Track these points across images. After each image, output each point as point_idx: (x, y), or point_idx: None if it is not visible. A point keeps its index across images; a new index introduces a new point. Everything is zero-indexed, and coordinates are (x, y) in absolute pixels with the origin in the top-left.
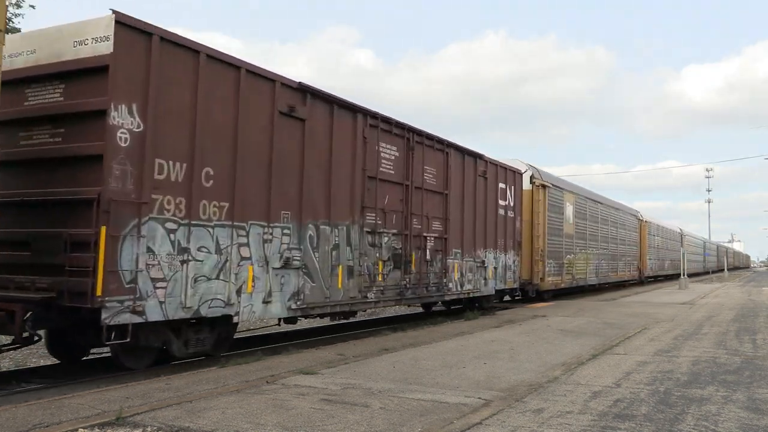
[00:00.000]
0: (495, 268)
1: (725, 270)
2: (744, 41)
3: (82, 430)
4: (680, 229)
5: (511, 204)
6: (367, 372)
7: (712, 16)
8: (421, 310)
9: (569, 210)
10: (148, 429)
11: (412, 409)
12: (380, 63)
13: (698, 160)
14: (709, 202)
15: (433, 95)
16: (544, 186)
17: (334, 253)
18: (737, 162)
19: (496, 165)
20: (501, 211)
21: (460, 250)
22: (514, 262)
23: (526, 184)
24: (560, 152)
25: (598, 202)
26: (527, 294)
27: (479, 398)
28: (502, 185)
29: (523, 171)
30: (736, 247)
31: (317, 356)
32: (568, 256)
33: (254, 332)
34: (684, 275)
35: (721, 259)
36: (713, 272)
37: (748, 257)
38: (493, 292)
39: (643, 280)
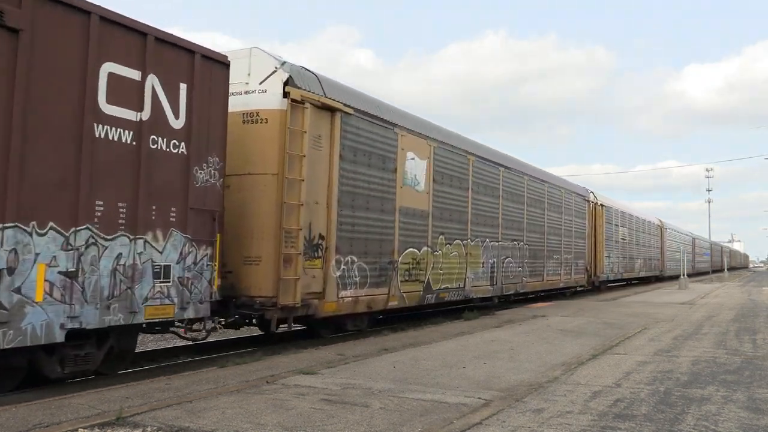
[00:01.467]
0: (71, 277)
1: (725, 270)
2: (744, 41)
3: (82, 430)
4: (660, 221)
5: (175, 124)
6: (367, 372)
7: (712, 15)
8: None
9: (417, 167)
10: (148, 429)
11: (412, 409)
12: (380, 63)
13: (698, 160)
14: (709, 202)
15: (433, 95)
16: (330, 109)
17: None
18: (737, 162)
19: (90, 15)
20: (116, 134)
21: None
22: (190, 259)
23: (272, 100)
24: (560, 152)
25: (498, 164)
26: (267, 327)
27: (479, 398)
28: (130, 74)
29: (233, 61)
30: (736, 247)
31: (317, 356)
32: (413, 249)
33: (254, 332)
34: (684, 275)
35: (716, 258)
36: (714, 272)
37: (746, 257)
38: (41, 339)
39: (599, 286)
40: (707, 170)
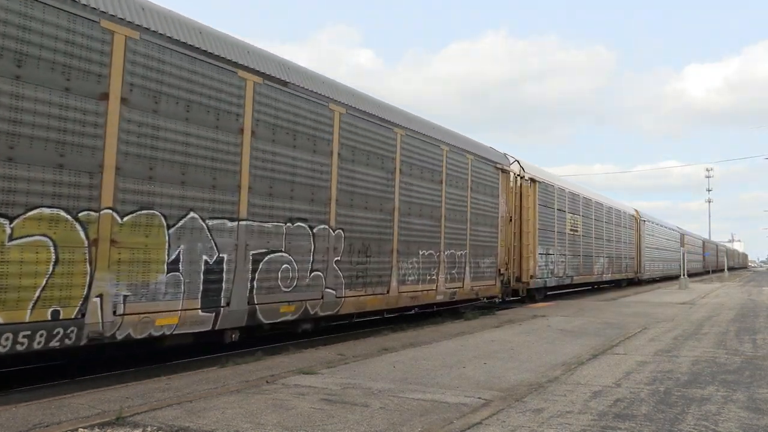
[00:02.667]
0: None
1: (725, 270)
2: (744, 41)
3: (82, 430)
4: (636, 212)
5: None
6: (367, 372)
7: (712, 15)
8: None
9: None
10: (148, 429)
11: (412, 409)
12: (380, 63)
13: (698, 159)
14: (709, 202)
15: (433, 95)
16: None
17: None
18: (737, 162)
19: None
20: None
21: None
22: None
23: None
24: (561, 152)
25: (242, 69)
26: None
27: (479, 398)
28: None
29: None
30: (736, 246)
31: (317, 356)
32: None
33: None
34: (684, 275)
35: (710, 258)
36: (706, 273)
37: (745, 256)
38: None
39: (533, 296)
40: (707, 170)
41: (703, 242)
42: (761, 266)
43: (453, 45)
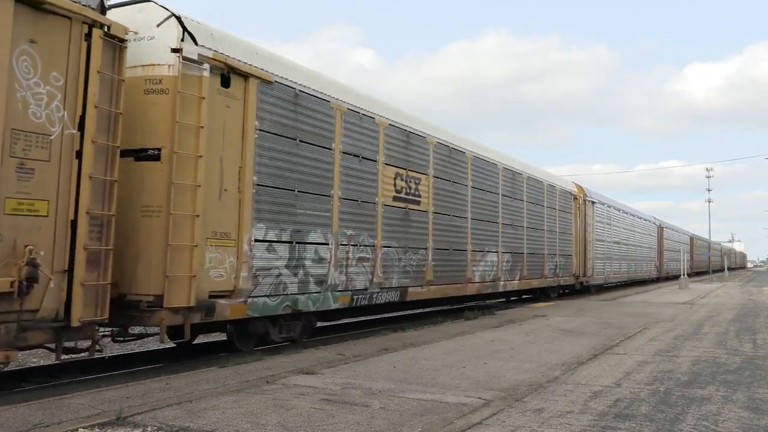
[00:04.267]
0: None
1: (725, 270)
2: (746, 40)
3: (82, 430)
4: (579, 188)
5: None
6: (367, 372)
7: (715, 14)
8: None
9: None
10: (148, 429)
11: (412, 409)
12: (381, 62)
13: (699, 159)
14: (709, 201)
15: (434, 95)
16: None
17: None
18: (738, 162)
19: None
20: None
21: None
22: None
23: None
24: (561, 152)
25: None
26: None
27: (479, 398)
28: None
29: None
30: (737, 246)
31: (317, 356)
32: None
33: None
34: (684, 275)
35: (701, 258)
36: (698, 274)
37: (744, 256)
38: None
39: (252, 339)
40: (707, 170)
41: (691, 239)
42: (761, 265)
43: (454, 44)
